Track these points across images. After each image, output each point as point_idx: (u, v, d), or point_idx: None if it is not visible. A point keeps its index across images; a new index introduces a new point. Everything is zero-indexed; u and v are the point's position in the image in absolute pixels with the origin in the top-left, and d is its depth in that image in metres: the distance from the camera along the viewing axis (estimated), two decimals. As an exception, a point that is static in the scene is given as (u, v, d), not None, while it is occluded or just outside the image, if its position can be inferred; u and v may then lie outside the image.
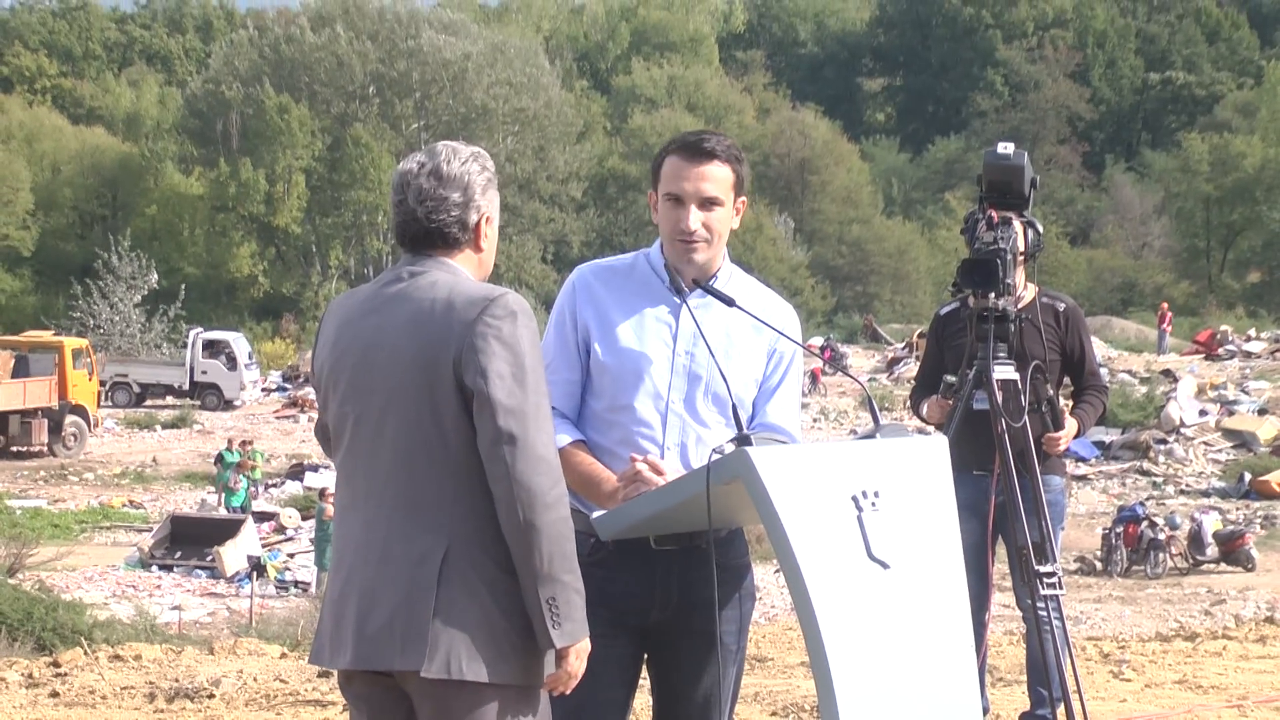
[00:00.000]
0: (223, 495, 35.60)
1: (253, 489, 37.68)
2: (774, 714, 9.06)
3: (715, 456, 4.22)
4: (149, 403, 56.19)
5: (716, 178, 4.65)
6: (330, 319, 4.36)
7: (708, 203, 4.64)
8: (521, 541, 4.01)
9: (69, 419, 45.76)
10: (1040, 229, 7.71)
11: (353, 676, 4.25)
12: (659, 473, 4.50)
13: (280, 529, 34.21)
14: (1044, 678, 7.47)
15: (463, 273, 4.24)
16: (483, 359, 4.04)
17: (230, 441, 40.53)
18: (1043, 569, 7.14)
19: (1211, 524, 30.40)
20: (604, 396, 4.67)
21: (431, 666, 4.02)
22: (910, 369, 50.44)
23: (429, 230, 4.24)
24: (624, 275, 4.78)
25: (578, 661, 4.13)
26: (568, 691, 4.19)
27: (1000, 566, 7.88)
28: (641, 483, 4.48)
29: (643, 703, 4.92)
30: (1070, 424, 7.65)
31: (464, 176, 4.25)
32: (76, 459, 45.01)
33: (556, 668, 4.13)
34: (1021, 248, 7.58)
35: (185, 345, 58.22)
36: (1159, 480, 39.02)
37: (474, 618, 4.05)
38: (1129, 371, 51.40)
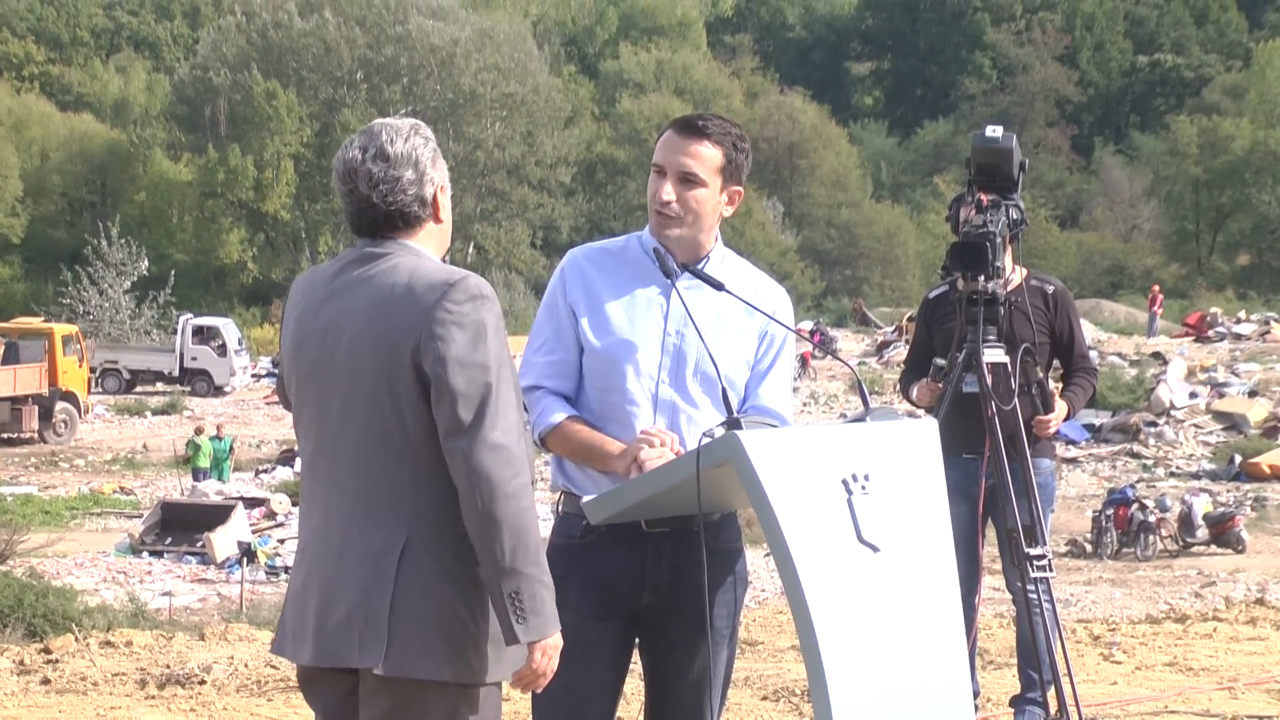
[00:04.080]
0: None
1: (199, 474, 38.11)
2: (765, 698, 9.06)
3: (705, 440, 4.20)
4: (139, 389, 56.15)
5: (702, 156, 4.62)
6: (293, 301, 4.23)
7: (687, 179, 4.62)
8: (482, 534, 3.88)
9: (59, 405, 45.75)
10: (1022, 206, 7.67)
11: (313, 676, 4.16)
12: (663, 441, 4.47)
13: (271, 514, 34.18)
14: (1034, 660, 7.46)
15: (425, 253, 4.13)
16: (441, 346, 3.90)
17: (219, 428, 40.58)
18: (1033, 551, 7.14)
19: (1202, 506, 30.40)
20: (594, 377, 4.64)
21: (388, 664, 3.93)
22: (900, 352, 50.45)
23: (389, 214, 4.11)
24: (616, 257, 4.77)
25: (544, 659, 3.99)
26: (538, 689, 4.10)
27: (990, 549, 7.88)
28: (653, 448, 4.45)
29: (633, 687, 4.91)
30: (1060, 406, 7.65)
31: (411, 153, 4.12)
32: (67, 445, 45.00)
33: (525, 664, 4.00)
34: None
35: (175, 331, 58.19)
36: (1149, 463, 39.02)
37: (431, 614, 3.95)
38: (1119, 354, 51.48)
